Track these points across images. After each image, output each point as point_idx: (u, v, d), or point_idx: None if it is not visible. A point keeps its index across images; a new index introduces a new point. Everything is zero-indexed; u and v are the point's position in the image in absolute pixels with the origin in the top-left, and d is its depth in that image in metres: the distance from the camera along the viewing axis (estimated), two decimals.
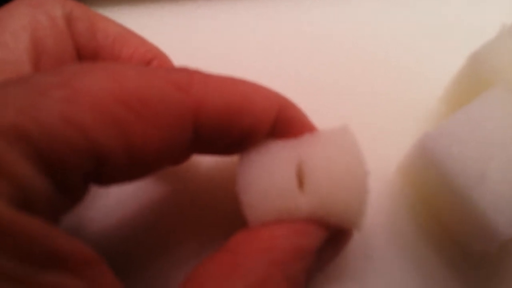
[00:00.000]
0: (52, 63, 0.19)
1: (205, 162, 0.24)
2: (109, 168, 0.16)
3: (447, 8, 0.26)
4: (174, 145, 0.17)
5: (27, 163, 0.13)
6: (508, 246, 0.21)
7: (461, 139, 0.19)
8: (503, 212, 0.18)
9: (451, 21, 0.26)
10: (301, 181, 0.19)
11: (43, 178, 0.14)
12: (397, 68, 0.26)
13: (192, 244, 0.23)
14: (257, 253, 0.17)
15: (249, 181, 0.18)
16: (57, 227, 0.14)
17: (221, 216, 0.22)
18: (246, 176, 0.19)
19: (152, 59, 0.22)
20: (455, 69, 0.23)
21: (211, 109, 0.17)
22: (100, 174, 0.16)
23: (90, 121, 0.14)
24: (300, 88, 0.25)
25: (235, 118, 0.17)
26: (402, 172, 0.23)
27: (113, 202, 0.23)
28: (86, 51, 0.21)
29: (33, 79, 0.15)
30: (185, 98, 0.16)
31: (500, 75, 0.20)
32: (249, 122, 0.18)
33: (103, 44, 0.21)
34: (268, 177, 0.19)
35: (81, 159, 0.14)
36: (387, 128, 0.24)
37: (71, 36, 0.20)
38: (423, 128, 0.24)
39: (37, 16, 0.19)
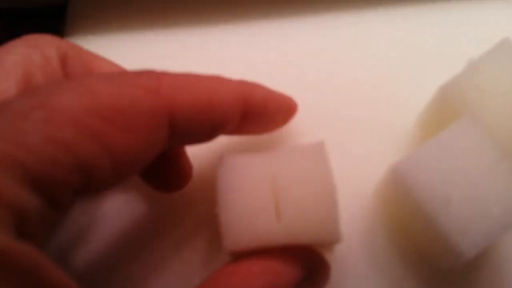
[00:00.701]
0: None
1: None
2: (97, 179, 0.16)
3: (423, 38, 0.28)
4: (153, 145, 0.18)
5: (23, 188, 0.14)
6: (472, 263, 0.23)
7: (429, 167, 0.20)
8: (466, 234, 0.19)
9: (427, 50, 0.28)
10: (277, 197, 0.20)
11: (37, 200, 0.15)
12: (375, 94, 0.27)
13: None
14: None
15: (228, 202, 0.20)
16: (54, 263, 0.14)
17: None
18: (225, 197, 0.20)
19: None
20: (429, 96, 0.25)
21: (183, 108, 0.18)
22: (89, 185, 0.16)
23: (71, 137, 0.15)
24: None
25: (205, 113, 0.19)
26: (378, 194, 0.24)
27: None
28: None
29: (11, 104, 0.16)
30: (156, 101, 0.18)
31: (467, 107, 0.22)
32: (219, 114, 0.19)
33: None
34: (246, 198, 0.20)
35: (70, 175, 0.15)
36: (366, 151, 0.26)
37: (64, 76, 0.21)
38: (400, 152, 0.26)
39: (31, 54, 0.20)
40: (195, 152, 0.25)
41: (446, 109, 0.23)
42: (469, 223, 0.19)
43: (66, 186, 0.15)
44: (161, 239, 0.25)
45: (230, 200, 0.21)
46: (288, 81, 0.26)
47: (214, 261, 0.24)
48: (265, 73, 0.27)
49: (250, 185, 0.21)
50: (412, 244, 0.24)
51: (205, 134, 0.20)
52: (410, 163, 0.20)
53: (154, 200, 0.26)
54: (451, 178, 0.20)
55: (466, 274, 0.23)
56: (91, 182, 0.16)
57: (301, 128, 0.26)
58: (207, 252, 0.25)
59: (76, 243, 0.25)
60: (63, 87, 0.16)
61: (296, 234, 0.20)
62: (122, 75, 0.19)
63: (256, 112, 0.21)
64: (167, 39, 0.30)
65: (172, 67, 0.27)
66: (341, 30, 0.29)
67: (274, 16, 0.30)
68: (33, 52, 0.20)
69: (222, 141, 0.25)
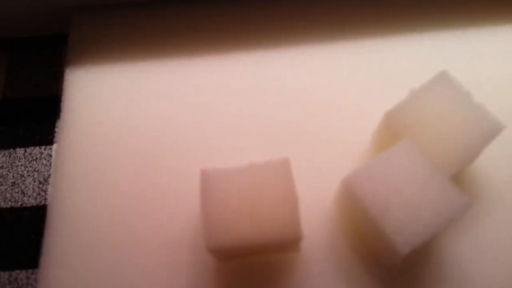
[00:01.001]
0: None
1: None
2: None
3: (373, 71, 0.33)
4: None
5: None
6: (415, 260, 0.27)
7: (373, 180, 0.25)
8: (402, 234, 0.24)
9: (378, 81, 0.33)
10: (250, 205, 0.25)
11: None
12: (336, 117, 0.32)
13: None
14: None
15: (209, 209, 0.24)
16: None
17: None
18: (206, 204, 0.25)
19: None
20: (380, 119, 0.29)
21: None
22: None
23: None
24: (254, 129, 0.31)
25: None
26: (336, 202, 0.29)
27: None
28: None
29: None
30: None
31: (408, 130, 0.26)
32: None
33: None
34: (224, 205, 0.25)
35: None
36: (328, 166, 0.30)
37: None
38: (357, 166, 0.30)
39: None
40: (176, 166, 0.29)
41: (391, 131, 0.27)
42: (405, 226, 0.24)
43: None
44: (151, 243, 0.29)
45: (211, 207, 0.25)
46: (262, 106, 0.31)
47: (199, 260, 0.28)
48: (244, 97, 0.32)
49: (227, 195, 0.25)
50: (364, 244, 0.28)
51: None
52: (358, 176, 0.25)
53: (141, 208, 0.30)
54: (391, 189, 0.24)
55: (411, 269, 0.28)
56: None
57: (271, 146, 0.31)
58: (193, 252, 0.29)
59: None
60: None
61: (266, 234, 0.24)
62: None
63: None
64: (160, 70, 0.34)
65: (165, 93, 0.31)
66: (309, 62, 0.34)
67: (254, 48, 0.35)
68: None
69: (201, 155, 0.30)
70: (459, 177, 0.30)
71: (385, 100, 0.28)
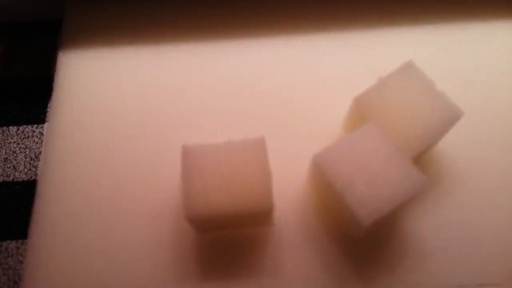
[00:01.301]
0: None
1: None
2: None
3: (346, 60, 0.35)
4: None
5: None
6: (377, 234, 0.30)
7: (339, 158, 0.27)
8: (364, 208, 0.26)
9: (350, 69, 0.35)
10: (227, 178, 0.27)
11: None
12: (311, 103, 0.34)
13: None
14: None
15: (189, 181, 0.26)
16: None
17: None
18: (187, 177, 0.27)
19: None
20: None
21: None
22: None
23: None
24: (234, 111, 0.33)
25: None
26: (308, 179, 0.31)
27: None
28: None
29: None
30: None
31: (374, 115, 0.29)
32: None
33: None
34: (204, 178, 0.27)
35: None
36: (302, 145, 0.32)
37: None
38: None
39: None
40: (160, 143, 0.32)
41: (359, 115, 0.29)
42: (367, 200, 0.26)
43: None
44: (135, 214, 0.31)
45: (191, 180, 0.27)
46: (241, 90, 0.33)
47: (179, 231, 0.31)
48: (225, 82, 0.34)
49: (206, 169, 0.27)
50: (333, 217, 0.30)
51: None
52: (326, 154, 0.27)
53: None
54: (355, 167, 0.27)
55: (376, 243, 0.30)
56: None
57: (249, 127, 0.33)
58: (174, 224, 0.31)
59: None
60: None
61: (240, 205, 0.27)
62: None
63: None
64: (146, 55, 0.36)
65: (151, 77, 0.33)
66: (288, 51, 0.36)
67: (235, 37, 0.37)
68: None
69: (183, 133, 0.32)
70: (425, 160, 0.32)
71: (356, 87, 0.30)
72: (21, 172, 0.39)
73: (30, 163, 0.39)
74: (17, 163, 0.39)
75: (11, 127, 0.40)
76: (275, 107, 0.34)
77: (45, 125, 0.40)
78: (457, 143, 0.32)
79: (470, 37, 0.36)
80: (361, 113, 0.29)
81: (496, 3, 0.38)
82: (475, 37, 0.36)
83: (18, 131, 0.40)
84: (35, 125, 0.40)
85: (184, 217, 0.27)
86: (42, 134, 0.40)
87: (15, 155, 0.39)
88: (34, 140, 0.40)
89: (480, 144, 0.33)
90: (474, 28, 0.37)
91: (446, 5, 0.38)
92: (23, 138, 0.40)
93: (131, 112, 0.34)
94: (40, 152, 0.39)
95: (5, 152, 0.39)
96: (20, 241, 0.36)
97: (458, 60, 0.35)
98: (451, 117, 0.28)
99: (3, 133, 0.40)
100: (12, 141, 0.40)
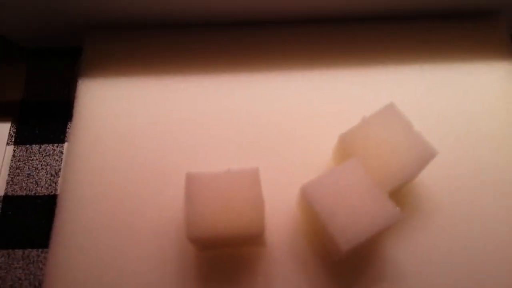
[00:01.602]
0: None
1: None
2: None
3: (333, 100, 0.39)
4: None
5: None
6: (358, 258, 0.33)
7: (324, 190, 0.31)
8: (344, 235, 0.30)
9: (339, 109, 0.38)
10: (225, 204, 0.31)
11: None
12: (305, 136, 0.38)
13: None
14: None
15: (192, 205, 0.30)
16: None
17: None
18: (190, 201, 0.31)
19: None
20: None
21: None
22: None
23: None
24: (233, 143, 0.37)
25: None
26: (298, 206, 0.35)
27: None
28: None
29: None
30: None
31: (357, 151, 0.32)
32: None
33: None
34: (204, 203, 0.31)
35: None
36: (295, 176, 0.36)
37: None
38: None
39: None
40: (166, 169, 0.35)
41: (344, 150, 0.33)
42: (347, 228, 0.30)
43: None
44: (143, 232, 0.35)
45: (193, 204, 0.31)
46: (241, 123, 0.37)
47: (181, 249, 0.34)
48: (227, 116, 0.38)
49: (207, 195, 0.31)
50: (319, 241, 0.34)
51: None
52: (312, 185, 0.31)
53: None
54: (337, 198, 0.30)
55: (357, 265, 0.33)
56: None
57: (247, 158, 0.37)
58: (177, 242, 0.35)
59: None
60: None
61: (235, 227, 0.30)
62: None
63: None
64: (159, 85, 0.40)
65: (161, 106, 0.37)
66: (283, 89, 0.40)
67: (238, 72, 0.41)
68: None
69: (187, 162, 0.36)
70: (405, 192, 0.36)
71: (343, 124, 0.34)
72: (42, 187, 0.43)
73: (50, 179, 0.43)
74: (39, 179, 0.43)
75: (33, 145, 0.45)
76: (271, 139, 0.38)
77: (65, 144, 0.44)
78: (435, 177, 0.36)
79: (452, 77, 0.40)
80: (345, 148, 0.33)
81: (478, 46, 0.41)
82: (457, 77, 0.40)
83: (40, 149, 0.44)
84: (56, 144, 0.45)
85: (186, 237, 0.30)
86: (61, 152, 0.44)
87: (37, 171, 0.43)
88: (55, 158, 0.44)
89: (455, 178, 0.36)
90: (456, 68, 0.40)
91: (431, 47, 0.41)
92: (45, 156, 0.44)
93: (142, 138, 0.38)
94: (59, 169, 0.43)
95: (28, 168, 0.44)
96: (40, 249, 0.40)
97: (440, 99, 0.39)
98: (426, 155, 0.32)
99: (26, 150, 0.44)
100: (35, 158, 0.44)
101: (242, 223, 0.30)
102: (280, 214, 0.35)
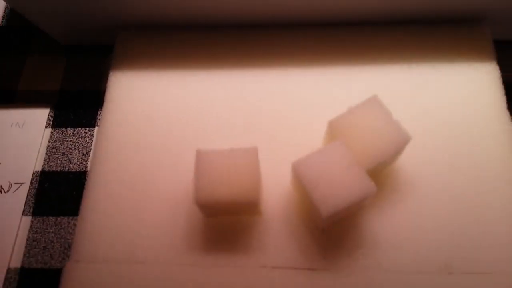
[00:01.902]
0: None
1: None
2: None
3: (327, 93, 0.44)
4: None
5: None
6: (338, 228, 0.39)
7: (311, 166, 0.36)
8: (325, 203, 0.35)
9: (332, 101, 0.44)
10: (229, 177, 0.36)
11: None
12: (302, 123, 0.43)
13: None
14: None
15: (201, 176, 0.36)
16: None
17: None
18: (199, 174, 0.36)
19: None
20: None
21: None
22: None
23: None
24: (239, 128, 0.43)
25: None
26: (291, 181, 0.40)
27: None
28: None
29: None
30: None
31: (342, 135, 0.38)
32: None
33: None
34: (211, 175, 0.36)
35: None
36: (291, 156, 0.41)
37: None
38: None
39: None
40: (181, 148, 0.41)
41: (332, 135, 0.39)
42: (327, 198, 0.35)
43: None
44: (159, 201, 0.41)
45: (201, 176, 0.37)
46: (247, 115, 0.43)
47: (191, 216, 0.40)
48: (235, 106, 0.44)
49: (213, 168, 0.37)
50: (307, 211, 0.39)
51: None
52: (301, 162, 0.36)
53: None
54: (322, 173, 0.36)
55: (338, 233, 0.39)
56: None
57: (250, 139, 0.42)
58: (188, 210, 0.41)
59: None
60: None
61: (236, 195, 0.36)
62: None
63: None
64: (179, 79, 0.47)
65: (180, 97, 0.43)
66: (283, 84, 0.46)
67: (246, 68, 0.47)
68: None
69: (200, 142, 0.42)
70: (384, 175, 0.41)
71: (334, 114, 0.39)
72: (74, 164, 0.49)
73: (82, 158, 0.50)
74: (72, 157, 0.50)
75: (68, 129, 0.51)
76: (271, 126, 0.43)
77: (95, 128, 0.51)
78: (413, 162, 0.41)
79: (437, 76, 0.44)
80: (333, 133, 0.38)
81: (463, 49, 0.46)
82: (442, 76, 0.45)
83: (74, 132, 0.51)
84: (87, 128, 0.51)
85: (194, 203, 0.36)
86: (92, 135, 0.50)
87: (70, 150, 0.50)
88: (86, 140, 0.51)
89: (432, 163, 0.41)
90: (442, 69, 0.45)
91: (420, 50, 0.46)
92: (78, 138, 0.51)
93: (160, 123, 0.44)
94: (90, 149, 0.50)
95: (63, 148, 0.50)
96: (71, 217, 0.47)
97: (423, 95, 0.44)
98: (401, 140, 0.37)
99: (62, 133, 0.51)
100: (69, 139, 0.51)
101: (241, 192, 0.36)
102: (276, 189, 0.40)
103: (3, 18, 0.58)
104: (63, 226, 0.46)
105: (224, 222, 0.40)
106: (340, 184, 0.35)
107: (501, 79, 0.44)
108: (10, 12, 0.58)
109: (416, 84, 0.45)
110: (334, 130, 0.38)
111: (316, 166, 0.36)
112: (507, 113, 0.43)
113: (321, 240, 0.38)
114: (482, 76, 0.45)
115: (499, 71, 0.45)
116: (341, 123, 0.38)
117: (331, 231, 0.38)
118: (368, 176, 0.36)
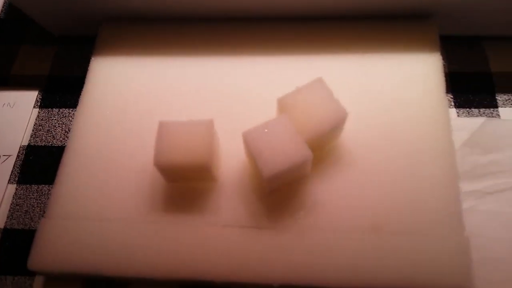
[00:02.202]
0: None
1: None
2: None
3: (281, 77, 0.49)
4: None
5: None
6: (283, 192, 0.43)
7: (257, 135, 0.41)
8: (266, 165, 0.40)
9: (282, 82, 0.49)
10: (187, 144, 0.41)
11: None
12: (256, 101, 0.48)
13: None
14: None
15: (160, 143, 0.41)
16: None
17: None
18: (160, 141, 0.41)
19: None
20: None
21: None
22: None
23: None
24: (201, 105, 0.48)
25: None
26: (245, 152, 0.45)
27: None
28: None
29: None
30: None
31: (288, 110, 0.43)
32: None
33: None
34: (170, 142, 0.41)
35: None
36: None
37: None
38: None
39: None
40: (150, 123, 0.46)
41: (281, 109, 0.44)
42: (269, 161, 0.40)
43: None
44: (129, 168, 0.46)
45: (162, 142, 0.42)
46: (211, 96, 0.48)
47: (154, 181, 0.45)
48: (199, 89, 0.49)
49: (172, 136, 0.42)
50: (256, 177, 0.44)
51: None
52: (248, 132, 0.41)
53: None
54: (266, 141, 0.41)
55: (283, 197, 0.43)
56: None
57: (211, 114, 0.47)
58: (152, 175, 0.46)
59: None
60: None
61: (191, 159, 0.41)
62: None
63: None
64: (155, 67, 0.52)
65: (151, 83, 0.49)
66: (246, 70, 0.51)
67: (219, 56, 0.52)
68: None
69: (166, 115, 0.47)
70: (328, 150, 0.46)
71: (282, 91, 0.44)
72: (57, 140, 0.54)
73: (64, 135, 0.55)
74: (55, 134, 0.55)
75: (54, 109, 0.57)
76: (232, 104, 0.48)
77: (77, 108, 0.56)
78: (354, 139, 0.45)
79: (386, 66, 0.49)
80: (281, 109, 0.43)
81: (411, 42, 0.51)
82: (390, 66, 0.49)
83: (59, 112, 0.56)
84: (71, 109, 0.56)
85: (154, 164, 0.41)
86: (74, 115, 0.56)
87: (54, 128, 0.55)
88: (69, 119, 0.56)
89: (372, 139, 0.45)
90: (391, 59, 0.50)
91: (372, 42, 0.51)
92: (62, 117, 0.56)
93: (133, 102, 0.49)
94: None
95: (48, 126, 0.55)
96: (51, 185, 0.52)
97: (370, 81, 0.48)
98: (338, 115, 0.42)
99: (48, 112, 0.56)
100: (54, 119, 0.56)
101: (195, 157, 0.41)
102: (232, 159, 0.45)
103: (1, 11, 0.64)
104: (43, 193, 0.51)
105: (184, 187, 0.44)
106: (281, 151, 0.40)
107: (443, 69, 0.49)
108: (9, 6, 0.64)
109: (364, 72, 0.50)
110: (282, 106, 0.43)
111: (262, 136, 0.41)
112: (445, 97, 0.47)
113: (267, 202, 0.43)
114: (426, 65, 0.49)
115: (441, 62, 0.49)
116: (288, 100, 0.43)
117: (277, 194, 0.43)
118: (306, 144, 0.41)
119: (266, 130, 0.41)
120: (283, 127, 0.41)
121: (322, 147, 0.44)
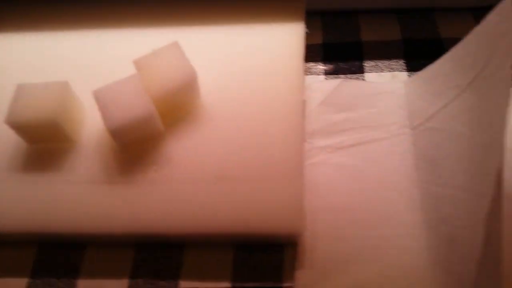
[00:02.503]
0: None
1: None
2: None
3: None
4: None
5: None
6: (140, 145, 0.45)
7: (105, 93, 0.43)
8: (109, 119, 0.42)
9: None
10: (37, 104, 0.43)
11: None
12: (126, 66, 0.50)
13: None
14: None
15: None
16: None
17: None
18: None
19: None
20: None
21: None
22: None
23: None
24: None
25: None
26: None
27: None
28: None
29: None
30: None
31: (140, 71, 0.45)
32: None
33: None
34: (22, 101, 0.43)
35: None
36: None
37: None
38: None
39: None
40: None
41: (138, 71, 0.46)
42: (113, 116, 0.42)
43: None
44: None
45: (17, 103, 0.43)
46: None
47: (18, 144, 0.47)
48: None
49: (28, 97, 0.44)
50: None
51: None
52: (99, 90, 0.43)
53: None
54: (112, 98, 0.43)
55: (135, 153, 0.45)
56: None
57: (75, 80, 0.49)
58: (13, 139, 0.47)
59: None
60: None
61: (43, 117, 0.43)
62: None
63: None
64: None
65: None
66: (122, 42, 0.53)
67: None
68: None
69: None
70: (186, 110, 0.47)
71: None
72: None
73: None
74: None
75: None
76: (99, 70, 0.50)
77: None
78: (211, 100, 0.47)
79: (248, 34, 0.52)
80: (138, 70, 0.45)
81: (277, 12, 0.54)
82: (252, 34, 0.52)
83: None
84: None
85: (5, 122, 0.43)
86: None
87: None
88: None
89: (228, 100, 0.47)
90: (255, 28, 0.53)
91: (237, 13, 0.54)
92: None
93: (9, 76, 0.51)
94: None
95: None
96: None
97: (233, 47, 0.51)
98: (187, 75, 0.44)
99: None
100: None
101: (46, 115, 0.43)
102: (95, 121, 0.47)
103: None
104: None
105: (44, 148, 0.46)
106: (125, 106, 0.42)
107: (304, 38, 0.52)
108: None
109: (229, 41, 0.52)
110: (138, 67, 0.45)
111: (110, 93, 0.43)
112: (302, 63, 0.50)
113: (120, 159, 0.45)
114: (287, 34, 0.52)
115: (304, 31, 0.52)
116: (142, 61, 0.45)
117: (131, 152, 0.45)
118: (150, 100, 0.43)
119: (115, 89, 0.43)
120: (131, 85, 0.44)
121: (178, 106, 0.46)
